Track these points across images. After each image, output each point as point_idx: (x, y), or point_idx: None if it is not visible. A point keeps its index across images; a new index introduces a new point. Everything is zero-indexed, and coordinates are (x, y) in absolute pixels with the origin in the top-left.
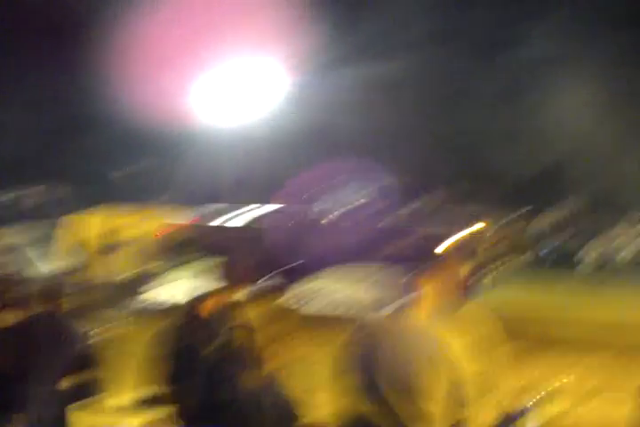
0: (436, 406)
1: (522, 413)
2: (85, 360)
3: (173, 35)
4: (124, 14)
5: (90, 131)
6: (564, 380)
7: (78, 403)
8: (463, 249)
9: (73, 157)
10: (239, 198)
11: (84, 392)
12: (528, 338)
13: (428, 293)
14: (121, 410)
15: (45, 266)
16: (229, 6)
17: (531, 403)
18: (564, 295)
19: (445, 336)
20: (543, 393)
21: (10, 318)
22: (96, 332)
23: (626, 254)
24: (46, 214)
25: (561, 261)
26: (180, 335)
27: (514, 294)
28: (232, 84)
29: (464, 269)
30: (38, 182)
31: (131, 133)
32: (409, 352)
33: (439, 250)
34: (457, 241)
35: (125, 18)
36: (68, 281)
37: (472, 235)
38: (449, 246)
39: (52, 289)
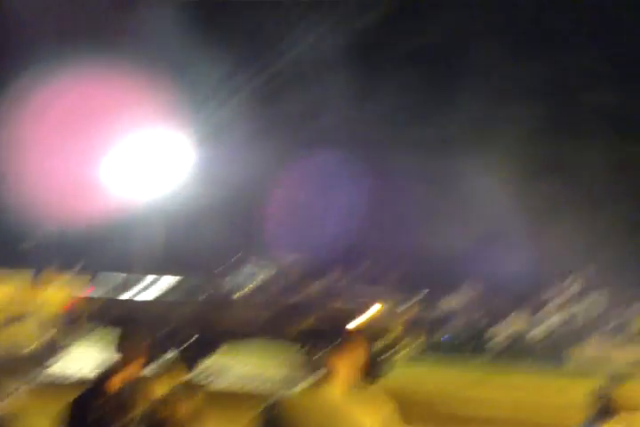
0: None
1: None
2: None
3: (80, 107)
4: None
5: None
6: None
7: None
8: (372, 327)
9: None
10: (149, 269)
11: None
12: (436, 417)
13: (339, 370)
14: None
15: None
16: (132, 79)
17: None
18: (470, 376)
19: (357, 413)
20: None
21: None
22: None
23: (530, 337)
24: None
25: (464, 345)
26: (86, 410)
27: (419, 375)
28: (138, 156)
29: (373, 348)
30: None
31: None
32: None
33: (350, 326)
34: (367, 318)
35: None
36: None
37: (380, 314)
38: (359, 323)
39: None
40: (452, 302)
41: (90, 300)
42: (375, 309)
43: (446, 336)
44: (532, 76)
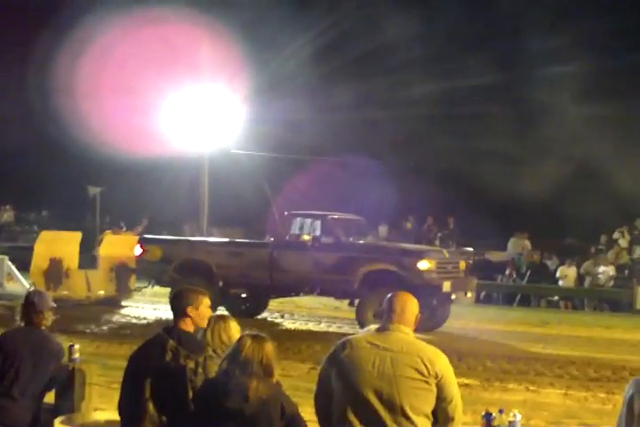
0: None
1: None
2: (69, 375)
3: (140, 52)
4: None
5: (45, 155)
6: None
7: (63, 416)
8: (442, 270)
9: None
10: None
11: (69, 407)
12: (505, 356)
13: (403, 314)
14: (108, 426)
15: (24, 282)
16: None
17: (515, 418)
18: (536, 316)
19: (427, 350)
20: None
21: None
22: (78, 347)
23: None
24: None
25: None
26: (164, 351)
27: (486, 317)
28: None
29: (430, 296)
30: (11, 203)
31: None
32: (402, 369)
33: (421, 268)
34: (435, 262)
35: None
36: (48, 296)
37: (449, 257)
38: (429, 266)
39: (33, 304)
40: (515, 247)
41: (160, 242)
42: (432, 257)
43: (514, 281)
44: None
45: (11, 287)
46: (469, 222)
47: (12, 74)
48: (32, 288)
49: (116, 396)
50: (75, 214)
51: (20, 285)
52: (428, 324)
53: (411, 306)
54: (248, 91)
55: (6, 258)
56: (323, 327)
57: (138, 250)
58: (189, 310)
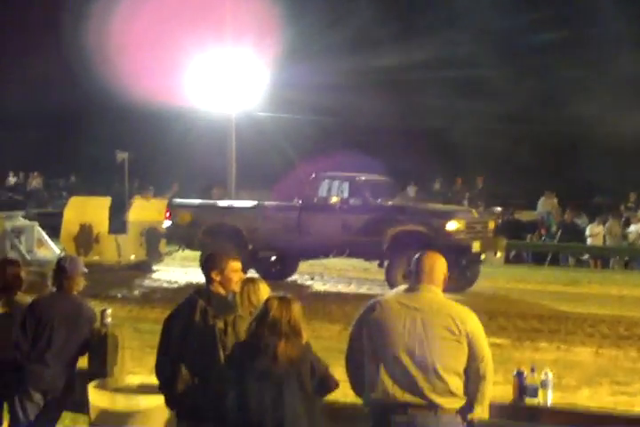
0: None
1: (540, 386)
2: (102, 339)
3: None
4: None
5: (72, 121)
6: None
7: (97, 381)
8: (470, 230)
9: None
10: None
11: (103, 371)
12: (536, 315)
13: (433, 273)
14: (142, 389)
15: (54, 248)
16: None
17: (547, 377)
18: (567, 275)
19: (458, 309)
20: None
21: (24, 299)
22: (110, 312)
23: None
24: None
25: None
26: (194, 313)
27: (517, 276)
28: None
29: (460, 256)
30: (40, 169)
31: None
32: (433, 328)
33: (449, 229)
34: (464, 222)
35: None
36: (79, 262)
37: (478, 217)
38: (458, 226)
39: (64, 270)
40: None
41: (189, 207)
42: (460, 218)
43: (544, 240)
44: None
45: (41, 253)
46: (498, 182)
47: (37, 37)
48: (63, 254)
49: (149, 359)
50: (103, 180)
51: (51, 251)
52: (458, 284)
53: (439, 266)
54: (275, 53)
55: (36, 224)
56: (353, 289)
57: (166, 215)
58: (214, 273)
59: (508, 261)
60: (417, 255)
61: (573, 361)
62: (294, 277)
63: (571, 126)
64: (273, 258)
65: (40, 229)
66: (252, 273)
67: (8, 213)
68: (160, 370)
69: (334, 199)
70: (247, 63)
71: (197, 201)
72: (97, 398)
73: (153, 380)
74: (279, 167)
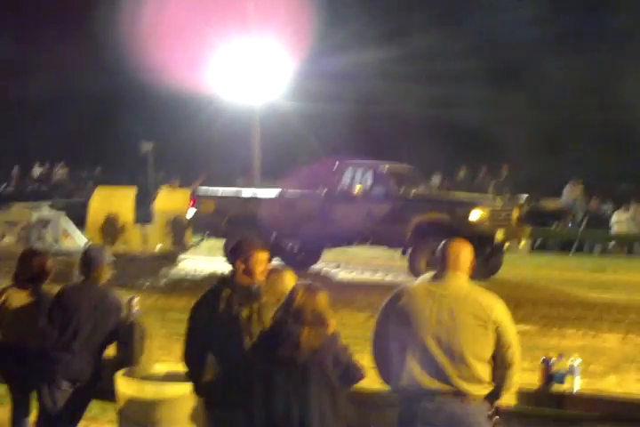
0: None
1: (567, 372)
2: (129, 328)
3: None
4: None
5: (97, 112)
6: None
7: (125, 369)
8: (494, 219)
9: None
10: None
11: (130, 359)
12: (562, 302)
13: (459, 261)
14: (169, 377)
15: (80, 237)
16: None
17: (574, 363)
18: (592, 262)
19: (493, 299)
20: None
21: (50, 289)
22: (137, 301)
23: None
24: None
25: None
26: (219, 302)
27: (541, 264)
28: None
29: (498, 236)
30: (65, 160)
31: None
32: (461, 315)
33: (473, 217)
34: (488, 211)
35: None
36: (106, 251)
37: (502, 205)
38: (482, 215)
39: (92, 259)
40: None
41: (213, 196)
42: (484, 206)
43: (570, 224)
44: None
45: (67, 243)
46: (522, 170)
47: (68, 26)
48: (89, 244)
49: (176, 348)
50: (128, 170)
51: (77, 241)
52: (481, 272)
53: (466, 253)
54: (299, 42)
55: (62, 214)
56: (379, 277)
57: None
58: (238, 262)
59: (534, 248)
60: (443, 243)
61: (600, 348)
62: (319, 265)
63: (598, 114)
64: (297, 246)
65: (66, 219)
66: (275, 261)
67: (34, 204)
68: (188, 359)
69: (357, 187)
70: (271, 53)
71: (221, 190)
72: (125, 386)
73: (180, 368)
74: (304, 157)
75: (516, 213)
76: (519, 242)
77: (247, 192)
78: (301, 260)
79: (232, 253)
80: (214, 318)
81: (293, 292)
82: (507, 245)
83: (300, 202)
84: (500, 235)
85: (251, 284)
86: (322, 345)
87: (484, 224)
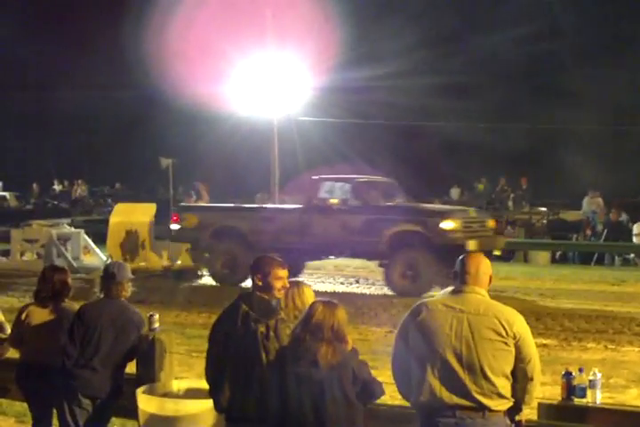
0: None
1: (588, 386)
2: (150, 345)
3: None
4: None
5: (116, 128)
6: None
7: (145, 386)
8: (466, 229)
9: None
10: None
11: (151, 376)
12: (583, 315)
13: (478, 274)
14: (189, 394)
15: (100, 255)
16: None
17: (595, 377)
18: (610, 275)
19: (512, 313)
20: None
21: (71, 305)
22: (157, 317)
23: None
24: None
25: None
26: (236, 317)
27: (561, 277)
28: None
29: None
30: (84, 177)
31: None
32: (480, 330)
33: (445, 228)
34: (460, 221)
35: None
36: (127, 268)
37: (475, 216)
38: (453, 225)
39: (113, 275)
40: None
41: (196, 210)
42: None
43: (591, 238)
44: None
45: (87, 260)
46: (543, 182)
47: (87, 46)
48: (109, 261)
49: (196, 364)
50: (148, 186)
51: (97, 257)
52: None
53: (484, 267)
54: (317, 58)
55: (82, 231)
56: None
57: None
58: (257, 278)
59: (554, 261)
60: (461, 257)
61: (621, 361)
62: (340, 279)
63: (613, 126)
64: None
65: (86, 236)
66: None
67: (54, 221)
68: (208, 375)
69: (334, 201)
70: (289, 68)
71: (203, 204)
72: (145, 403)
73: (201, 384)
74: (322, 171)
75: (490, 224)
76: (492, 252)
77: (227, 206)
78: None
79: (251, 270)
80: (232, 335)
81: (312, 308)
82: None
83: (278, 215)
84: (471, 245)
85: (269, 300)
86: (340, 362)
87: (456, 234)
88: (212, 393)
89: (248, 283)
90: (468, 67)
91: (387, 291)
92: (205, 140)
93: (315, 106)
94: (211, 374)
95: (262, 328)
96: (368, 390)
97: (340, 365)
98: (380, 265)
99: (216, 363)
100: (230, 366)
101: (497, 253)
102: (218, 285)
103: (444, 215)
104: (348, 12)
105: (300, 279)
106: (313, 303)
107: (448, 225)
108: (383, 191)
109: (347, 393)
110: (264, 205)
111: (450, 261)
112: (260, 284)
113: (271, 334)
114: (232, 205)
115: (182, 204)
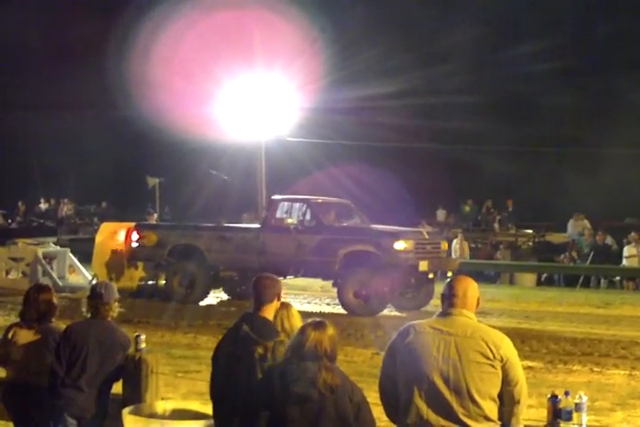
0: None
1: (574, 409)
2: (136, 365)
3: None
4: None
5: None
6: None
7: (131, 407)
8: (419, 250)
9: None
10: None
11: (137, 397)
12: (569, 338)
13: (466, 297)
14: (175, 415)
15: (85, 273)
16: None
17: (581, 400)
18: (598, 297)
19: (499, 337)
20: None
21: (57, 325)
22: (144, 338)
23: None
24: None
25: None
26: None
27: (549, 299)
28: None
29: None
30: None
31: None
32: (467, 352)
33: (397, 248)
34: (412, 242)
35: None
36: (114, 288)
37: (428, 237)
38: (405, 246)
39: (100, 295)
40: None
41: (155, 228)
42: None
43: (575, 262)
44: None
45: (73, 279)
46: (528, 205)
47: (72, 64)
48: (94, 280)
49: (182, 384)
50: (134, 205)
51: (82, 277)
52: (412, 303)
53: (471, 290)
54: (303, 79)
55: (68, 250)
56: (385, 313)
57: (134, 236)
58: (276, 299)
59: (539, 283)
60: (449, 280)
61: (607, 384)
62: (327, 300)
63: (606, 148)
64: (236, 278)
65: (71, 255)
66: (218, 292)
67: (40, 240)
68: (211, 395)
69: (289, 221)
70: (277, 89)
71: (162, 223)
72: (131, 423)
73: (186, 405)
74: (308, 192)
75: (444, 246)
76: (446, 273)
77: (187, 225)
78: (242, 291)
79: (273, 291)
80: (231, 355)
81: (304, 332)
82: (431, 275)
83: (235, 234)
84: (423, 265)
85: (271, 321)
86: (337, 384)
87: (409, 255)
88: (214, 413)
89: (207, 301)
90: (456, 88)
91: None
92: (192, 160)
93: (302, 126)
94: (213, 395)
95: (260, 350)
96: (362, 410)
97: (338, 386)
98: (334, 285)
99: (216, 383)
100: (231, 387)
101: (449, 274)
102: (202, 304)
103: (397, 236)
104: (336, 32)
105: (286, 301)
106: (304, 327)
107: (400, 246)
108: (339, 212)
109: (345, 414)
110: (223, 224)
111: (402, 281)
112: (276, 303)
113: (268, 355)
114: (191, 223)
115: (142, 222)
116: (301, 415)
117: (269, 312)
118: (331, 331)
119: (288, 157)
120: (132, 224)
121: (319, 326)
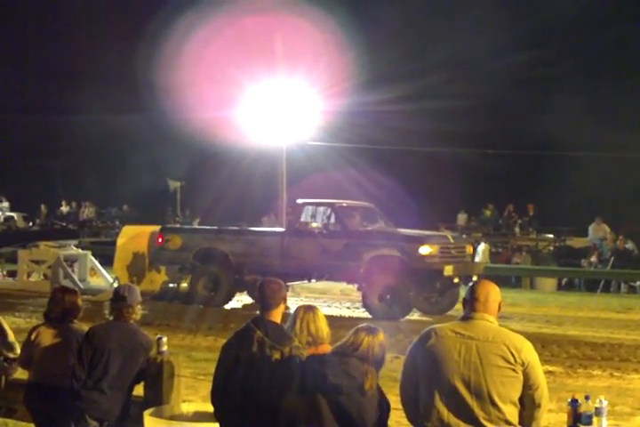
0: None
1: (594, 414)
2: (158, 367)
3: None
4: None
5: (124, 150)
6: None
7: (153, 409)
8: (444, 254)
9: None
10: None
11: (158, 399)
12: (589, 343)
13: (487, 302)
14: (196, 417)
15: (106, 276)
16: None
17: (601, 404)
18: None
19: (521, 341)
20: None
21: (80, 327)
22: (165, 340)
23: None
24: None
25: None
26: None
27: (568, 304)
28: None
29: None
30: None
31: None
32: (489, 357)
33: (422, 253)
34: (437, 247)
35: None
36: (137, 290)
37: (453, 242)
38: (431, 251)
39: (123, 298)
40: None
41: (180, 232)
42: (434, 242)
43: (596, 267)
44: None
45: (94, 282)
46: (550, 209)
47: (92, 69)
48: (115, 283)
49: (203, 387)
50: (156, 208)
51: (103, 279)
52: (436, 307)
53: (493, 294)
54: (325, 83)
55: (89, 253)
56: (407, 317)
57: (159, 239)
58: (283, 303)
59: (560, 288)
60: (471, 284)
61: (627, 388)
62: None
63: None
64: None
65: (93, 258)
66: (244, 296)
67: (61, 243)
68: (213, 398)
69: (314, 225)
70: (299, 93)
71: (188, 226)
72: (152, 425)
73: (207, 408)
74: (328, 195)
75: (469, 250)
76: (471, 277)
77: (212, 228)
78: None
79: (279, 296)
80: (243, 359)
81: (359, 333)
82: (456, 280)
83: (260, 238)
84: (448, 270)
85: (282, 326)
86: (377, 387)
87: (434, 260)
88: (217, 417)
89: (231, 304)
90: (479, 91)
91: None
92: (214, 163)
93: (324, 130)
94: (215, 398)
95: (277, 355)
96: (387, 411)
97: (377, 389)
98: (359, 289)
99: (222, 386)
100: (241, 391)
101: (475, 278)
102: (223, 307)
103: (422, 241)
104: (358, 36)
105: (312, 304)
106: (357, 331)
107: (426, 250)
108: (363, 216)
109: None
110: (247, 228)
111: (427, 286)
112: (282, 307)
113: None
114: (216, 227)
115: (167, 225)
116: (326, 406)
117: (277, 316)
118: (381, 337)
119: (309, 161)
120: (154, 227)
121: (372, 331)
